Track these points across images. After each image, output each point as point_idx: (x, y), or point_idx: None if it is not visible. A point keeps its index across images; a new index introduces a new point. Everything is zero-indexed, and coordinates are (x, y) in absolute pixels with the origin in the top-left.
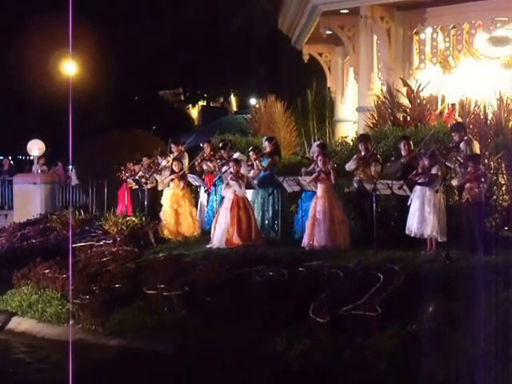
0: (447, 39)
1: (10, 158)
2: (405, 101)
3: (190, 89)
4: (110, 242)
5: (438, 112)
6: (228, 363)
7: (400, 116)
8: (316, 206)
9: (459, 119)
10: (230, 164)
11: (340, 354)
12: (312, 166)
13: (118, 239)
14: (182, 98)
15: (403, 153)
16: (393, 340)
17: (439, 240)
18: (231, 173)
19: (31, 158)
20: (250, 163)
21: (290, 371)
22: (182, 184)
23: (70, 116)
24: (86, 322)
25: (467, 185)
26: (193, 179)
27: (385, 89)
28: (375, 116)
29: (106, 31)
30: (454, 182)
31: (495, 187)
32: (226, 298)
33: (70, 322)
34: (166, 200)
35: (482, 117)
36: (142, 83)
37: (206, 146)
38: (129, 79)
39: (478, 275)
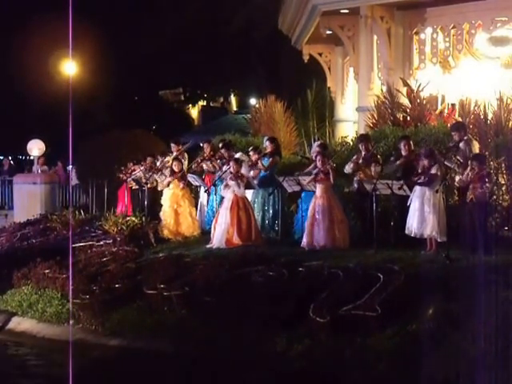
0: (447, 39)
1: (10, 157)
2: (405, 101)
3: (190, 89)
4: (110, 242)
5: (438, 112)
6: (228, 363)
7: (400, 116)
8: (315, 206)
9: (459, 119)
10: (231, 164)
11: (340, 354)
12: (311, 166)
13: (118, 239)
14: (182, 98)
15: (403, 153)
16: (393, 340)
17: (439, 240)
18: (231, 172)
19: (31, 157)
20: (249, 163)
21: (290, 371)
22: (181, 184)
23: (70, 116)
24: (86, 322)
25: (472, 185)
26: (193, 179)
27: (385, 89)
28: (375, 116)
29: (106, 31)
30: (459, 182)
31: (495, 187)
32: (226, 298)
33: (70, 322)
34: (165, 200)
35: (482, 117)
36: (142, 83)
37: (206, 145)
38: (129, 79)
39: (478, 275)
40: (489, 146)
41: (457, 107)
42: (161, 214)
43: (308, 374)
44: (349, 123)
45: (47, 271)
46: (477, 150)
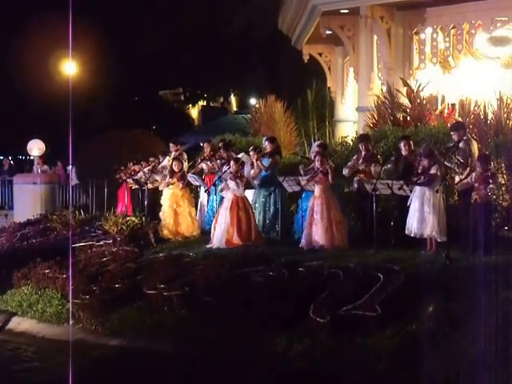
0: (447, 39)
1: (10, 157)
2: (405, 101)
3: (190, 89)
4: (110, 242)
5: (438, 112)
6: (228, 363)
7: (400, 116)
8: (313, 206)
9: (459, 119)
10: (231, 163)
11: (340, 354)
12: (311, 166)
13: (118, 239)
14: (182, 97)
15: (403, 153)
16: (393, 340)
17: (439, 240)
18: (231, 172)
19: (31, 157)
20: (250, 163)
21: (290, 371)
22: (181, 184)
23: (70, 116)
24: (86, 322)
25: (476, 185)
26: (193, 179)
27: (385, 89)
28: (375, 116)
29: (106, 31)
30: (462, 185)
31: (495, 187)
32: (226, 298)
33: (70, 322)
34: (165, 200)
35: (481, 117)
36: (142, 83)
37: (206, 145)
38: (129, 79)
39: (478, 275)
40: (489, 145)
41: (457, 107)
42: (160, 213)
43: (308, 374)
44: (349, 123)
45: (47, 271)
46: (476, 150)
